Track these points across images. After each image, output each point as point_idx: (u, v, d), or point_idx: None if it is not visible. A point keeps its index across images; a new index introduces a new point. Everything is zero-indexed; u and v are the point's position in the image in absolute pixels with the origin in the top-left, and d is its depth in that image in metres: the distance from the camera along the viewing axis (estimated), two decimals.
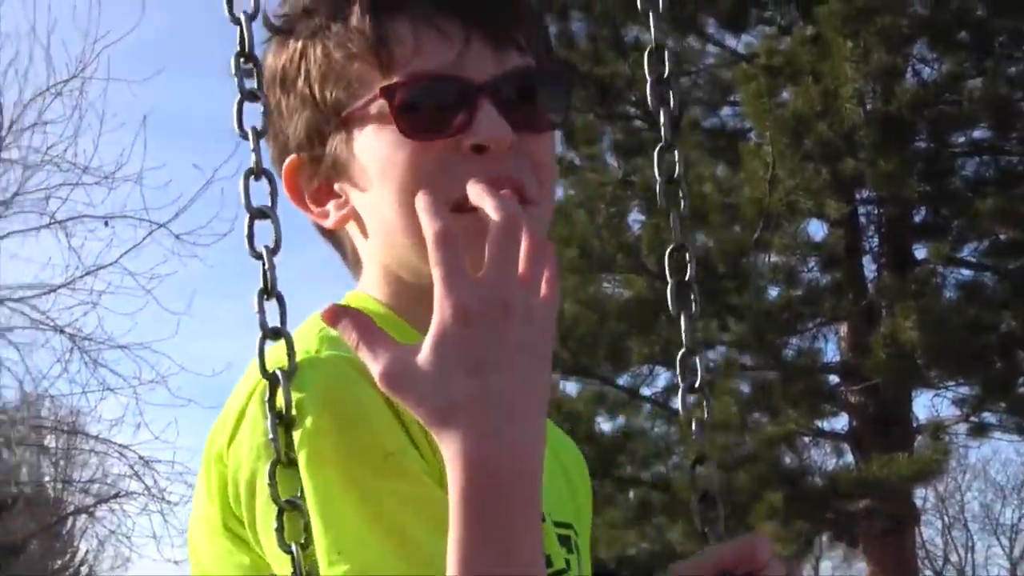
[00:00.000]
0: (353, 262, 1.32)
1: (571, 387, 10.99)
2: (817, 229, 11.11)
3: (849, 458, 11.46)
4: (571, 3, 11.26)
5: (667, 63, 1.43)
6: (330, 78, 1.24)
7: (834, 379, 11.29)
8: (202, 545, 1.19)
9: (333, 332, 1.13)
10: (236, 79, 1.19)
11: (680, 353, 1.41)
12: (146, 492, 14.11)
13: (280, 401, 1.09)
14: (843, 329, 11.14)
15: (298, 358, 1.11)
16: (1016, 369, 10.78)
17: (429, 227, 1.05)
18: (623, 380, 11.33)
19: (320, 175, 1.27)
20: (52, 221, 14.08)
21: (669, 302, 1.40)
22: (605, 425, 11.46)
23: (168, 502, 14.05)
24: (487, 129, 1.19)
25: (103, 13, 15.11)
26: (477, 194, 1.09)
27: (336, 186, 1.27)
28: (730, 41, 11.63)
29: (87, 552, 24.41)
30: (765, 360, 10.71)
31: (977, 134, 11.14)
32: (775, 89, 9.57)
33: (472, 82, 1.21)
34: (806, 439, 11.36)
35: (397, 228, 1.22)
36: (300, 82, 1.26)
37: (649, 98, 1.43)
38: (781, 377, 10.58)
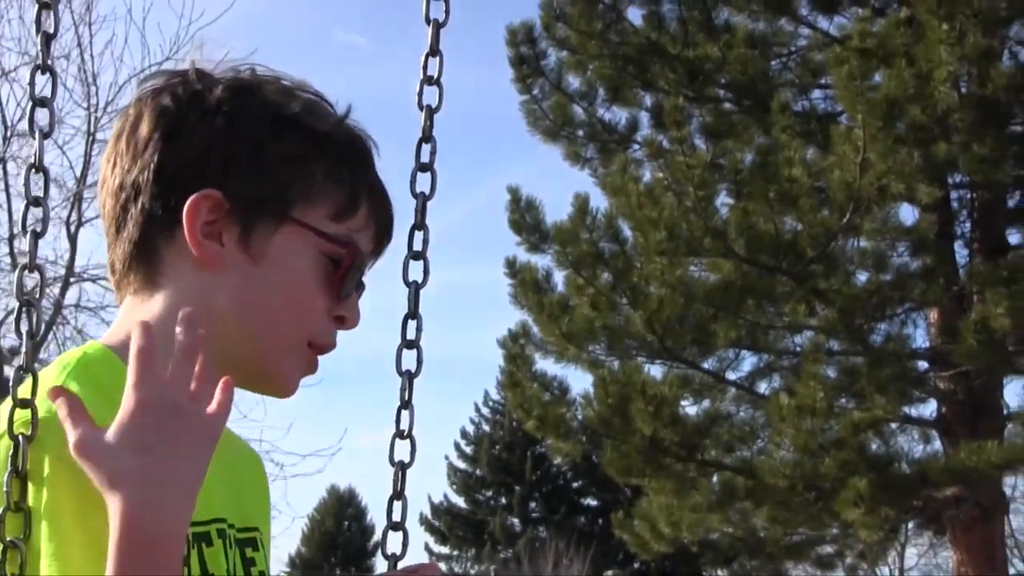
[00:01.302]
0: (149, 284, 1.49)
1: (656, 370, 10.98)
2: (908, 213, 11.01)
3: (937, 445, 11.36)
4: None
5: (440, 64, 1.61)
6: (304, 187, 1.48)
7: (923, 365, 11.18)
8: None
9: (72, 389, 1.38)
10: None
11: (397, 407, 1.62)
12: None
13: (19, 459, 1.31)
14: (933, 315, 11.03)
15: (40, 414, 1.33)
16: None
17: (137, 342, 1.31)
18: (709, 363, 11.30)
19: (225, 221, 1.46)
20: None
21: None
22: (690, 408, 11.45)
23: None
24: (356, 314, 1.54)
25: None
26: (181, 318, 1.34)
27: (225, 238, 1.46)
28: (822, 23, 11.54)
29: None
30: (853, 345, 10.63)
31: None
32: (868, 72, 9.46)
33: (363, 275, 1.55)
34: (893, 425, 11.26)
35: (265, 319, 1.48)
36: (276, 163, 1.47)
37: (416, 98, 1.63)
38: (869, 362, 10.50)
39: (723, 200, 10.50)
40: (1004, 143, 10.17)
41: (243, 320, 1.47)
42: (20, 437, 1.31)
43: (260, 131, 1.48)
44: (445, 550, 42.63)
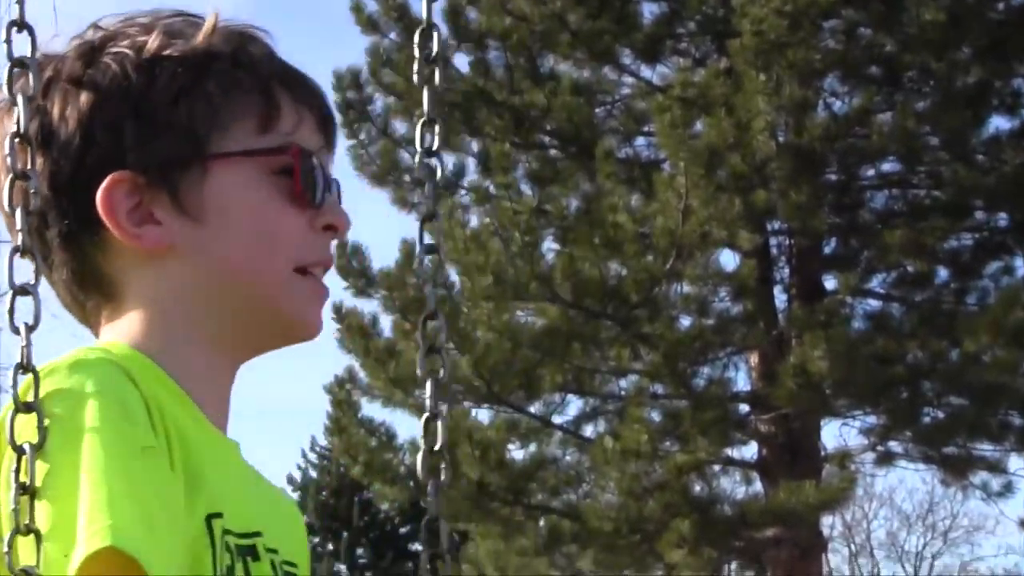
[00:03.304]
0: (112, 303, 1.32)
1: (483, 415, 10.98)
2: (729, 259, 11.22)
3: (758, 486, 11.55)
4: (488, 32, 11.29)
5: (436, 44, 1.53)
6: (208, 116, 1.31)
7: (744, 408, 11.37)
8: None
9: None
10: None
11: (424, 417, 1.52)
12: None
13: (25, 467, 1.12)
14: (754, 358, 11.23)
15: (69, 361, 1.19)
16: (921, 399, 10.94)
17: None
18: (535, 408, 11.34)
19: (148, 197, 1.29)
20: None
21: (418, 366, 1.55)
22: (517, 453, 11.46)
23: None
24: (341, 215, 1.38)
25: None
26: None
27: (158, 214, 1.29)
28: (645, 72, 11.73)
29: None
30: (676, 389, 10.77)
31: (886, 167, 11.32)
32: (689, 120, 9.65)
33: (329, 172, 1.39)
34: (715, 467, 11.43)
35: (241, 269, 1.32)
36: (164, 108, 1.30)
37: (415, 78, 1.54)
38: (692, 406, 10.64)
39: (549, 245, 10.60)
40: (820, 191, 10.46)
41: (223, 287, 1.31)
42: (27, 447, 1.12)
43: (129, 86, 1.29)
44: None
